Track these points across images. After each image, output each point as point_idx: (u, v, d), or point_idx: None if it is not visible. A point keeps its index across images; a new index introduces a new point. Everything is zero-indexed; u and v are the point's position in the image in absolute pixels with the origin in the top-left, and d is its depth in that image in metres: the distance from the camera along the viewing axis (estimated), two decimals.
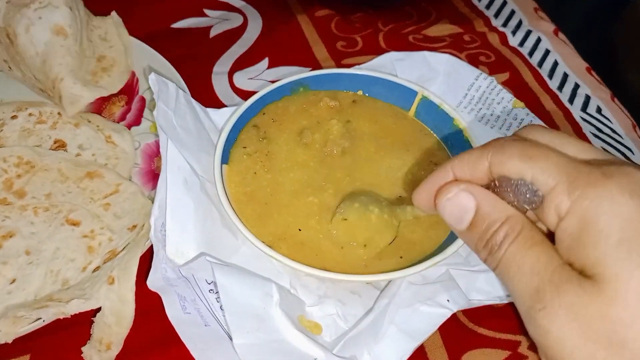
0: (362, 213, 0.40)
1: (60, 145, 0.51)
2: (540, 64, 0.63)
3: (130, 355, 0.39)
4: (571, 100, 0.59)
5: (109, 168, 0.49)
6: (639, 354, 0.22)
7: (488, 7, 0.70)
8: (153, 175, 0.50)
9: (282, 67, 0.62)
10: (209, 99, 0.58)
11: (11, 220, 0.45)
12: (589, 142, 0.55)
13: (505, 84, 0.59)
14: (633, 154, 0.54)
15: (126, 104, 0.56)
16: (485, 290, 0.41)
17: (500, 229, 0.26)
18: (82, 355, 0.39)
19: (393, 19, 0.68)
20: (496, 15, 0.69)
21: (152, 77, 0.43)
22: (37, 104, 0.54)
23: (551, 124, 0.56)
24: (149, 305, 0.41)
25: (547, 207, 0.25)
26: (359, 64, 0.57)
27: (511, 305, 0.42)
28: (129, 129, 0.54)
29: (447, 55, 0.56)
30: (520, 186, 0.26)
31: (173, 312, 0.40)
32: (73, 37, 0.53)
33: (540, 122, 0.53)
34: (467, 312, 0.42)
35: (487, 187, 0.28)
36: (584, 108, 0.58)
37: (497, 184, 0.27)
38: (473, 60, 0.63)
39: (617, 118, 0.58)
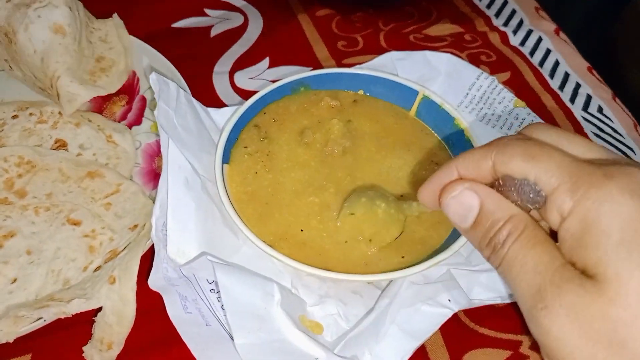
0: (369, 208, 0.40)
1: (61, 145, 0.51)
2: (542, 63, 0.63)
3: (132, 355, 0.39)
4: (572, 99, 0.59)
5: (109, 168, 0.49)
6: (639, 354, 0.22)
7: (489, 6, 0.70)
8: (154, 175, 0.50)
9: (283, 67, 0.62)
10: (210, 99, 0.58)
11: (12, 219, 0.45)
12: None
13: (506, 83, 0.59)
14: (635, 153, 0.54)
15: (127, 103, 0.56)
16: (487, 290, 0.41)
17: (504, 227, 0.26)
18: (83, 354, 0.39)
19: (394, 18, 0.68)
20: (497, 14, 0.69)
21: (153, 76, 0.43)
22: (38, 103, 0.54)
23: (552, 123, 0.56)
24: (150, 305, 0.41)
25: (549, 207, 0.25)
26: (359, 63, 0.57)
27: (512, 305, 0.42)
28: (130, 128, 0.54)
29: (448, 55, 0.56)
30: (523, 186, 0.26)
31: (174, 311, 0.40)
32: (72, 37, 0.53)
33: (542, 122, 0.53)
34: (468, 312, 0.42)
35: (491, 185, 0.28)
36: (585, 107, 0.58)
37: (501, 183, 0.27)
38: (474, 60, 0.63)
39: (618, 118, 0.57)
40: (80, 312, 0.40)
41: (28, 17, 0.52)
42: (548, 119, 0.57)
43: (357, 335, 0.38)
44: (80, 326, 0.40)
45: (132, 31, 0.59)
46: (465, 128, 0.46)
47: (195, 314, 0.40)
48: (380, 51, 0.57)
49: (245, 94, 0.58)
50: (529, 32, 0.66)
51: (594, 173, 0.24)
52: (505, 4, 0.70)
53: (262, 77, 0.60)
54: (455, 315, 0.40)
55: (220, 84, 0.60)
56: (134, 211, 0.46)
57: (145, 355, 0.40)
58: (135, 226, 0.45)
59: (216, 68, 0.61)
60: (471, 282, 0.41)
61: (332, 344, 0.38)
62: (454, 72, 0.55)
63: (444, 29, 0.67)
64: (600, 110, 0.58)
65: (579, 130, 0.56)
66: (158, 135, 0.42)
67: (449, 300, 0.40)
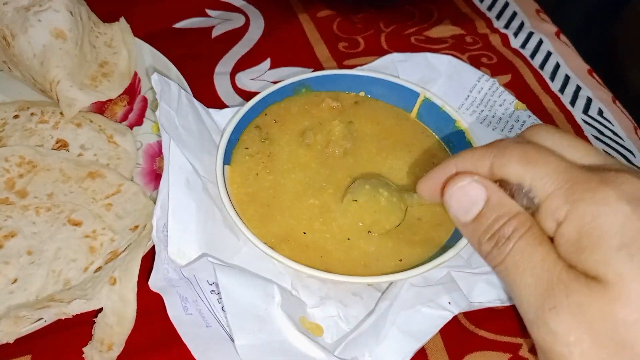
0: (372, 195, 0.41)
1: (62, 145, 0.51)
2: (542, 66, 0.63)
3: (132, 356, 0.39)
4: (573, 102, 0.59)
5: (110, 168, 0.49)
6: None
7: (490, 8, 0.70)
8: (155, 176, 0.50)
9: (284, 68, 0.62)
10: (211, 100, 0.58)
11: (13, 220, 0.45)
12: (591, 144, 0.55)
13: (507, 85, 0.59)
14: (634, 156, 0.54)
15: (128, 104, 0.56)
16: (487, 292, 0.41)
17: (510, 222, 0.26)
18: (83, 355, 0.39)
19: (395, 20, 0.68)
20: (498, 16, 0.69)
21: (155, 77, 0.43)
22: (39, 103, 0.54)
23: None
24: (150, 306, 0.41)
25: (544, 213, 0.25)
26: (361, 65, 0.57)
27: (512, 308, 0.42)
28: (131, 129, 0.54)
29: (449, 57, 0.56)
30: (517, 191, 0.26)
31: (174, 312, 0.40)
32: (73, 41, 0.53)
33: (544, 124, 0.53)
34: (468, 315, 0.42)
35: None
36: (586, 110, 0.58)
37: (499, 185, 0.28)
38: (475, 62, 0.63)
39: (618, 120, 0.58)
40: (81, 313, 0.40)
41: (28, 20, 0.52)
42: (548, 121, 0.57)
43: (357, 337, 0.38)
44: (81, 327, 0.40)
45: (133, 31, 0.59)
46: (466, 130, 0.46)
47: (195, 315, 0.40)
48: (382, 53, 0.57)
49: (247, 95, 0.58)
50: (530, 35, 0.66)
51: (590, 179, 0.24)
52: (506, 6, 0.70)
53: (263, 78, 0.60)
54: (455, 318, 0.40)
55: (222, 85, 0.60)
56: (134, 212, 0.46)
57: (146, 356, 0.40)
58: (136, 227, 0.45)
59: (217, 69, 0.61)
60: (471, 284, 0.41)
61: (332, 345, 0.38)
62: (455, 74, 0.55)
63: (445, 30, 0.67)
64: (600, 113, 0.58)
65: (579, 133, 0.56)
66: (159, 135, 0.42)
67: (449, 303, 0.40)
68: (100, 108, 0.56)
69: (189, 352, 0.38)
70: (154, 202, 0.41)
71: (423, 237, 0.41)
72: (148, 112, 0.55)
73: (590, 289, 0.23)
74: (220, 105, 0.57)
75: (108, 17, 0.60)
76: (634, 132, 0.57)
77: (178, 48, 0.60)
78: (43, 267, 0.43)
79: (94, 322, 0.40)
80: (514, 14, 0.69)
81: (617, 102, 0.60)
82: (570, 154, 0.27)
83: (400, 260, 0.40)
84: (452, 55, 0.57)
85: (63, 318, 0.39)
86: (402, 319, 0.39)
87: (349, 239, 0.41)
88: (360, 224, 0.41)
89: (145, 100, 0.56)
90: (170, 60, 0.56)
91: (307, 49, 0.64)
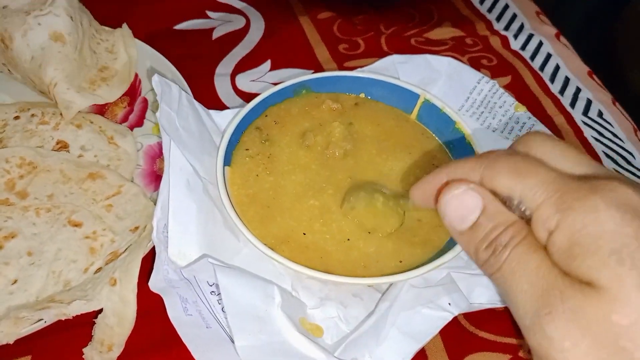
0: (369, 201, 0.41)
1: (62, 146, 0.51)
2: (542, 67, 0.63)
3: (132, 357, 0.39)
4: (572, 104, 0.59)
5: (111, 169, 0.49)
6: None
7: (490, 10, 0.70)
8: (155, 177, 0.51)
9: (285, 70, 0.62)
10: (212, 101, 0.58)
11: (13, 220, 0.45)
12: (591, 146, 0.55)
13: (507, 87, 0.59)
14: (634, 157, 0.54)
15: (128, 105, 0.56)
16: (487, 293, 0.41)
17: (506, 231, 0.26)
18: (83, 356, 0.39)
19: (395, 21, 0.68)
20: (498, 18, 0.69)
21: (155, 78, 0.43)
22: (39, 104, 0.54)
23: (553, 128, 0.56)
24: (150, 307, 0.41)
25: (535, 224, 0.26)
26: (361, 66, 0.57)
27: None
28: (132, 130, 0.54)
29: (449, 59, 0.56)
30: (508, 203, 0.27)
31: (175, 313, 0.40)
32: (72, 45, 0.53)
33: (542, 126, 0.53)
34: (468, 316, 0.42)
35: None
36: (586, 112, 0.58)
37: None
38: (475, 64, 0.63)
39: (618, 122, 0.58)
40: (81, 314, 0.40)
41: (27, 23, 0.52)
42: (548, 123, 0.57)
43: (358, 338, 0.38)
44: (81, 328, 0.40)
45: (133, 32, 0.59)
46: (466, 132, 0.46)
47: (195, 316, 0.40)
48: (382, 54, 0.57)
49: (247, 97, 0.58)
50: (530, 37, 0.66)
51: (579, 188, 0.25)
52: (506, 8, 0.70)
53: (263, 80, 0.61)
54: (455, 319, 0.40)
55: (222, 86, 0.60)
56: (135, 213, 0.46)
57: (146, 357, 0.40)
58: (136, 228, 0.45)
59: (218, 70, 0.61)
60: (471, 285, 0.41)
61: (332, 346, 0.38)
62: (455, 75, 0.55)
63: (445, 32, 0.67)
64: (600, 114, 0.58)
65: (579, 134, 0.56)
66: (159, 137, 0.42)
67: (449, 304, 0.40)
68: (101, 109, 0.56)
69: (189, 353, 0.38)
70: (154, 203, 0.42)
71: (423, 239, 0.41)
72: (148, 114, 0.55)
73: (585, 295, 0.23)
74: (220, 106, 0.57)
75: (108, 17, 0.60)
76: (633, 133, 0.57)
77: (178, 49, 0.61)
78: (43, 268, 0.43)
79: (94, 323, 0.40)
80: (514, 16, 0.69)
81: (617, 103, 0.60)
82: (561, 163, 0.27)
83: (400, 262, 0.40)
84: (452, 57, 0.57)
85: (63, 319, 0.39)
86: (402, 320, 0.39)
87: (348, 239, 0.41)
88: (361, 229, 0.41)
89: (145, 101, 0.56)
90: (170, 61, 0.56)
91: (308, 51, 0.64)
